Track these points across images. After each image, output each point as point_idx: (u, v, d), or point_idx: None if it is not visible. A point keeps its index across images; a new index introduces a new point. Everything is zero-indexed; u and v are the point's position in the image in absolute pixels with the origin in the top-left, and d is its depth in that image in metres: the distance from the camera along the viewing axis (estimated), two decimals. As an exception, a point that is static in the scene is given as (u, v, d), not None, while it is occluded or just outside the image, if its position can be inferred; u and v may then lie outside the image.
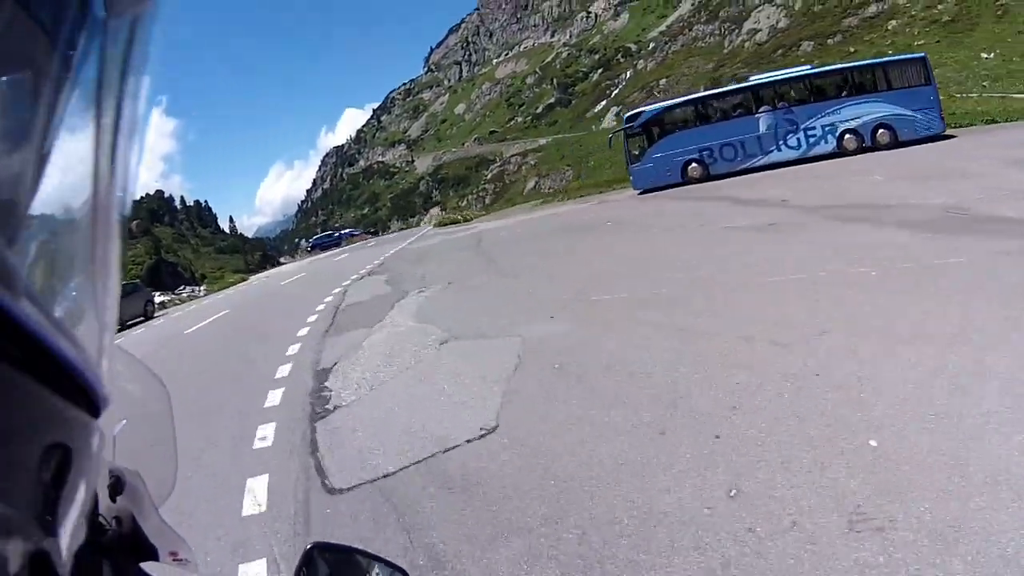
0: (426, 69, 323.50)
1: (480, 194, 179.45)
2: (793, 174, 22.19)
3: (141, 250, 78.19)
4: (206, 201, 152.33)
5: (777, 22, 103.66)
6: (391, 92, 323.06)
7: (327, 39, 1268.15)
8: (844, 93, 25.91)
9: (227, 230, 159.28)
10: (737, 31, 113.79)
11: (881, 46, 65.75)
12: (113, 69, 0.44)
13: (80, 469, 0.47)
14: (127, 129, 0.46)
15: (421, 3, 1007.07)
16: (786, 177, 21.61)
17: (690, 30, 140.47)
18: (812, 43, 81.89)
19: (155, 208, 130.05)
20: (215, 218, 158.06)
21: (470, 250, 21.03)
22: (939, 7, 70.59)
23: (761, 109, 26.78)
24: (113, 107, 0.45)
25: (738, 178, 25.12)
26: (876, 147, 24.80)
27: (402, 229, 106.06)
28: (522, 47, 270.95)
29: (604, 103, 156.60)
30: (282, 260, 73.96)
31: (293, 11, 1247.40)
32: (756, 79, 28.00)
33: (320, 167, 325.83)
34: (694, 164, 27.64)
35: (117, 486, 1.07)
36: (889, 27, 74.01)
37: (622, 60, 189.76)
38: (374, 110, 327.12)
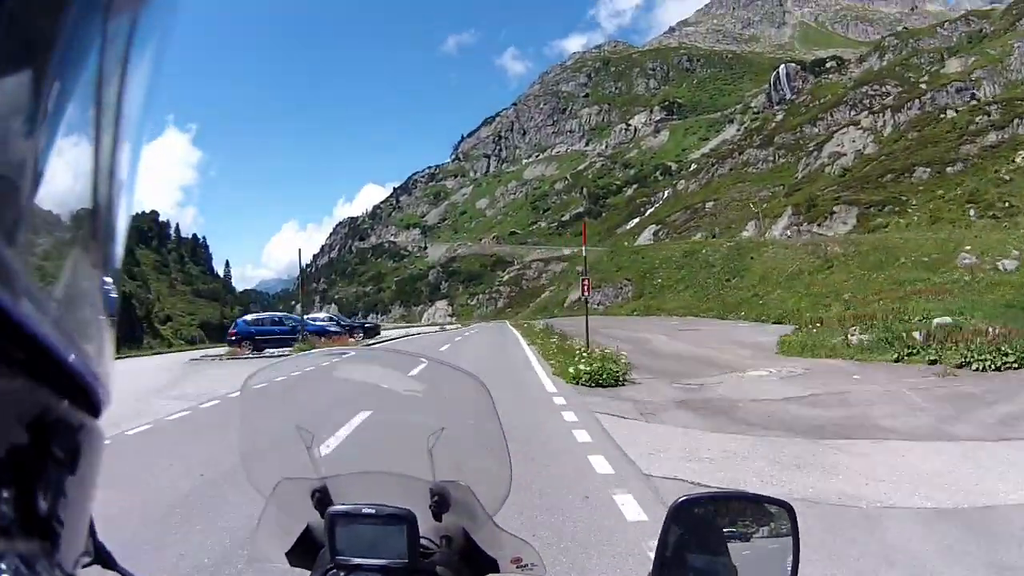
0: (453, 157, 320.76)
1: (493, 295, 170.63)
2: None
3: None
4: (204, 237, 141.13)
5: (864, 147, 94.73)
6: (414, 174, 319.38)
7: (361, 111, 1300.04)
8: None
9: (220, 274, 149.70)
10: (816, 154, 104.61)
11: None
12: (113, 69, 0.44)
13: (81, 470, 0.47)
14: (127, 129, 0.46)
15: (459, 90, 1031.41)
16: None
17: (740, 154, 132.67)
18: (928, 170, 72.59)
19: (144, 228, 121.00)
20: (209, 258, 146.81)
21: None
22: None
23: None
24: (113, 107, 0.45)
25: None
26: None
27: (446, 325, 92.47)
28: (554, 151, 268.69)
29: (638, 220, 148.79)
30: None
31: (339, 79, 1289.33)
32: None
33: (331, 235, 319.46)
34: None
35: (441, 504, 1.08)
36: (1018, 159, 65.78)
37: (660, 178, 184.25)
38: (394, 188, 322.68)
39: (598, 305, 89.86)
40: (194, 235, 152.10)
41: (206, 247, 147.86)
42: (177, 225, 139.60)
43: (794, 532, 1.11)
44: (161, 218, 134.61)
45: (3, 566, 0.38)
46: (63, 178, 0.42)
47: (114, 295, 0.51)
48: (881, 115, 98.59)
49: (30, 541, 0.40)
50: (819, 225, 71.48)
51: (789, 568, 1.09)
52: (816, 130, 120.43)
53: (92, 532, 1.08)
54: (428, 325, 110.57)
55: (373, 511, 1.04)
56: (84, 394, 0.46)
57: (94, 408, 0.48)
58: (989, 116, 77.67)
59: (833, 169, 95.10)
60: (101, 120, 0.44)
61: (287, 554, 1.16)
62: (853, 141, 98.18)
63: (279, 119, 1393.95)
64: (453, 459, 1.11)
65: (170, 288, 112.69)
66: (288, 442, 1.18)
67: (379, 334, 43.01)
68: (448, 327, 74.57)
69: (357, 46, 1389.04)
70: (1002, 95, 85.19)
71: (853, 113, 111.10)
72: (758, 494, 1.11)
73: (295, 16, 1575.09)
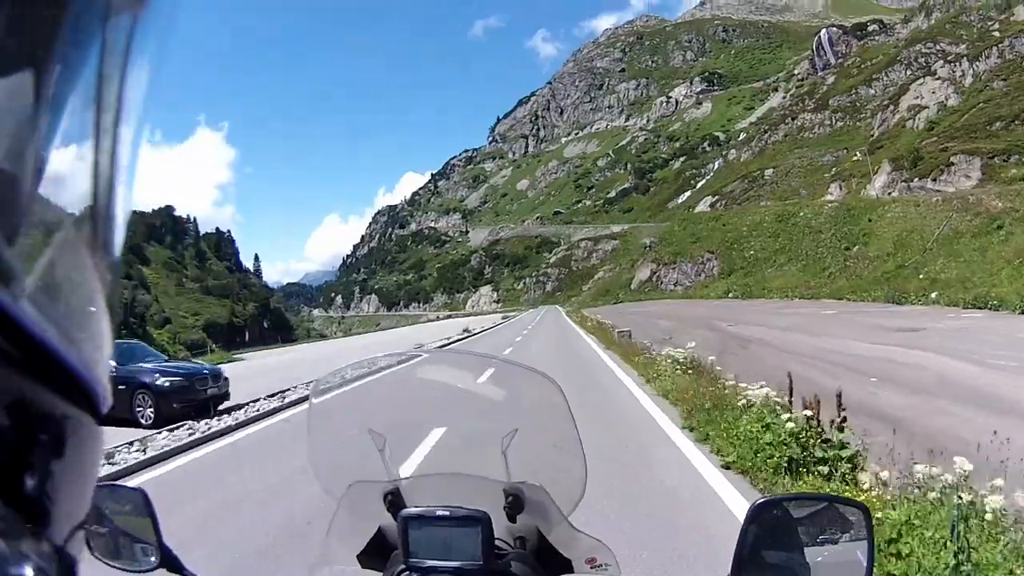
0: (490, 139, 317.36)
1: (541, 279, 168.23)
2: None
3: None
4: (228, 231, 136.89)
5: (946, 99, 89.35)
6: (452, 158, 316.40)
7: (395, 102, 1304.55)
8: None
9: (251, 268, 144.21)
10: (892, 108, 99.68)
11: None
12: (113, 69, 0.44)
13: (81, 470, 0.47)
14: (127, 129, 0.46)
15: (491, 74, 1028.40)
16: None
17: (794, 119, 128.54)
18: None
19: (156, 225, 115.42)
20: (235, 252, 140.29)
21: None
22: None
23: None
24: (113, 106, 0.45)
25: None
26: None
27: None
28: (594, 127, 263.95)
29: (690, 193, 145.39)
30: (313, 320, 35.86)
31: (370, 70, 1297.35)
32: None
33: (371, 224, 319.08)
34: None
35: (516, 505, 1.08)
36: None
37: (708, 149, 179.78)
38: (432, 174, 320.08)
39: (676, 286, 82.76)
40: (217, 229, 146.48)
41: (232, 241, 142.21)
42: (195, 220, 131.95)
43: (869, 534, 1.11)
44: (177, 213, 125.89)
45: None
46: (63, 178, 0.43)
47: (115, 294, 0.49)
48: (958, 65, 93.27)
49: (26, 542, 0.40)
50: (934, 180, 64.45)
51: (864, 568, 1.08)
52: (872, 91, 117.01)
53: (159, 538, 1.12)
54: (470, 315, 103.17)
55: (447, 513, 1.04)
56: (84, 394, 0.45)
57: (94, 408, 0.47)
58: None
59: (916, 123, 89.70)
60: (101, 120, 0.44)
61: (359, 556, 1.18)
62: (933, 92, 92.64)
63: (313, 115, 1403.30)
64: (527, 460, 1.10)
65: (177, 286, 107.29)
66: (360, 446, 1.19)
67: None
68: (472, 328, 49.30)
69: (384, 39, 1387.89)
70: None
71: (909, 73, 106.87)
72: (833, 495, 1.12)
73: (312, 16, 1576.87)
